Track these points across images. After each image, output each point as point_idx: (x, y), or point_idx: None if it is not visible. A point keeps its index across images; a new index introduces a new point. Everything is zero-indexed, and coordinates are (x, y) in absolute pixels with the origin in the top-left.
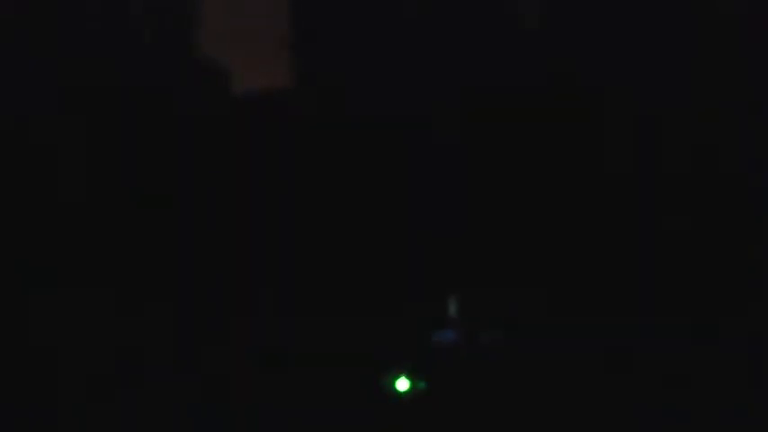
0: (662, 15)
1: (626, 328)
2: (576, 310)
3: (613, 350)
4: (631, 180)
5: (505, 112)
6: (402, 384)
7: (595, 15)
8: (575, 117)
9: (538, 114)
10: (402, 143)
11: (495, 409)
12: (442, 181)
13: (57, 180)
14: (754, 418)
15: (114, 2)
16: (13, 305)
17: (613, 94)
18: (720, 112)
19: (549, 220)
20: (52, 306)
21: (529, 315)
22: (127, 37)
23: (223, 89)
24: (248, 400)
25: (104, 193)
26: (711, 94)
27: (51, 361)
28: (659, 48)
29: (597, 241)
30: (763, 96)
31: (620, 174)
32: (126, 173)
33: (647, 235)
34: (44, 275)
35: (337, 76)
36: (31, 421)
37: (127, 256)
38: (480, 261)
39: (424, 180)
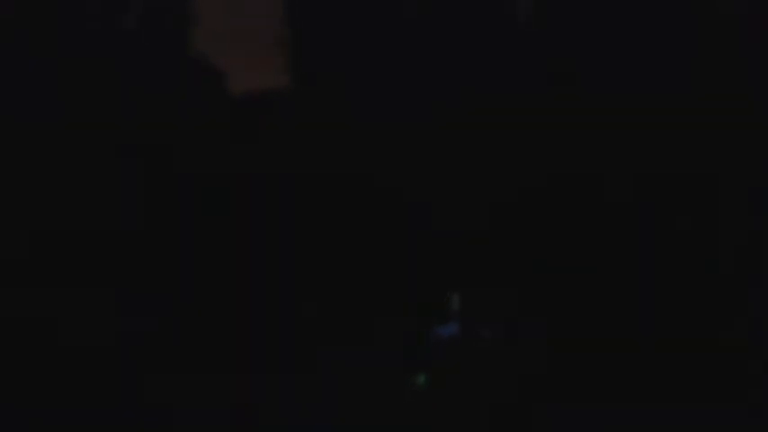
0: (662, 15)
1: (625, 325)
2: (575, 307)
3: (612, 345)
4: (631, 180)
5: (505, 112)
6: (418, 378)
7: (595, 15)
8: (575, 117)
9: (538, 114)
10: (402, 143)
11: (493, 402)
12: (441, 179)
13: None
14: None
15: (114, 2)
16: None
17: (613, 93)
18: (720, 111)
19: (547, 217)
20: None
21: (529, 310)
22: (127, 37)
23: (221, 89)
24: (264, 397)
25: (101, 195)
26: (711, 93)
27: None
28: (659, 48)
29: (596, 239)
30: (763, 96)
31: (620, 173)
32: (127, 174)
33: (646, 236)
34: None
35: (337, 76)
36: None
37: (135, 255)
38: (482, 257)
39: (424, 179)
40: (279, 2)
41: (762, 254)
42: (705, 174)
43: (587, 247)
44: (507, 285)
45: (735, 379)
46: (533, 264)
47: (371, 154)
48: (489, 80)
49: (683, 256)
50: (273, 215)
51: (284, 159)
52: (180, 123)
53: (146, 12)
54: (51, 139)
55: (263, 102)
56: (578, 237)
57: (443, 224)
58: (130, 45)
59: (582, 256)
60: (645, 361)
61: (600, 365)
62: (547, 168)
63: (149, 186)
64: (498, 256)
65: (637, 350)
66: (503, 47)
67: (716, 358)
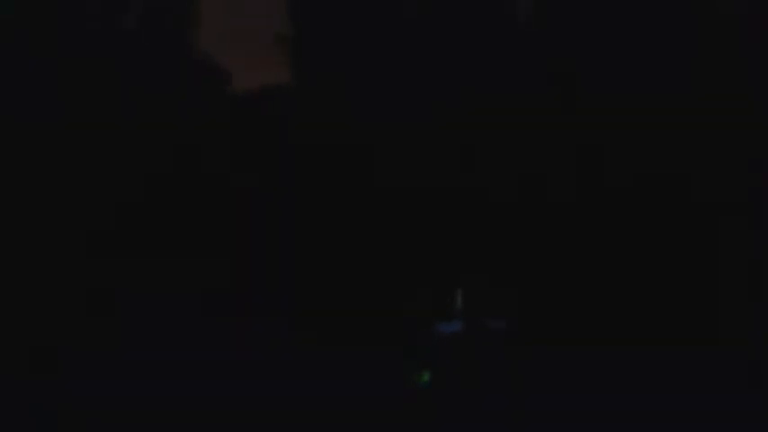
0: (662, 15)
1: (625, 324)
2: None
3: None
4: (631, 179)
5: (505, 112)
6: (420, 375)
7: (595, 16)
8: (575, 117)
9: (538, 114)
10: (403, 142)
11: (499, 396)
12: (441, 179)
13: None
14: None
15: (114, 2)
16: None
17: (613, 93)
18: (720, 111)
19: (549, 217)
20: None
21: (530, 306)
22: (127, 37)
23: (222, 89)
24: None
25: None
26: (711, 93)
27: None
28: (659, 48)
29: (595, 237)
30: (763, 96)
31: (620, 173)
32: (128, 175)
33: (645, 235)
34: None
35: (337, 75)
36: None
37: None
38: (484, 256)
39: (424, 178)
40: (279, 2)
41: (762, 253)
42: (704, 173)
43: (588, 247)
44: (509, 284)
45: (734, 378)
46: (535, 263)
47: (372, 153)
48: (489, 80)
49: (683, 255)
50: (274, 214)
51: (284, 159)
52: (180, 123)
53: (146, 12)
54: (50, 138)
55: (264, 101)
56: (579, 236)
57: (448, 220)
58: (130, 45)
59: (583, 255)
60: (646, 360)
61: (601, 362)
62: (547, 168)
63: (148, 185)
64: (500, 254)
65: (638, 348)
66: (503, 47)
67: (716, 357)
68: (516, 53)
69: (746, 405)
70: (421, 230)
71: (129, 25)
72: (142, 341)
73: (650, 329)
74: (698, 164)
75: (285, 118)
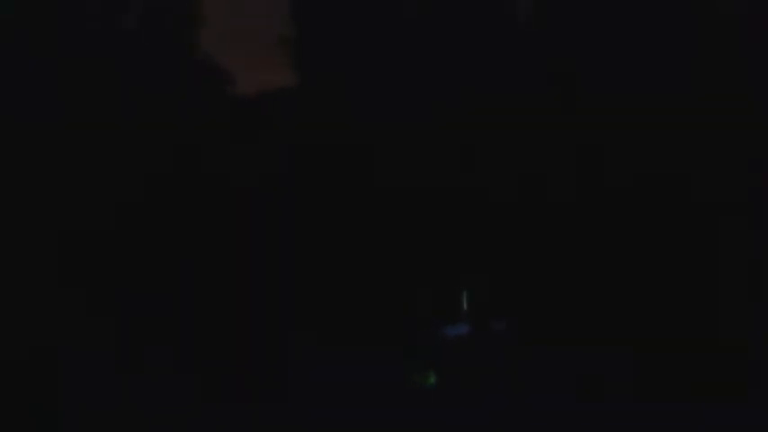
0: (662, 15)
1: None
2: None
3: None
4: (630, 179)
5: (505, 112)
6: (426, 378)
7: (595, 16)
8: (575, 117)
9: (538, 114)
10: (403, 142)
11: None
12: (442, 178)
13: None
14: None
15: (114, 2)
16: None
17: (613, 93)
18: (720, 111)
19: (547, 216)
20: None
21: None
22: (127, 37)
23: (222, 89)
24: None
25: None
26: (711, 93)
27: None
28: (659, 48)
29: (595, 237)
30: (763, 96)
31: (620, 173)
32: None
33: (645, 232)
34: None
35: (337, 75)
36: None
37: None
38: (484, 256)
39: (426, 177)
40: (280, 3)
41: (762, 253)
42: (704, 173)
43: (588, 247)
44: (508, 284)
45: (735, 379)
46: (535, 263)
47: (372, 153)
48: (489, 80)
49: (683, 255)
50: (274, 214)
51: (284, 159)
52: (180, 123)
53: (146, 12)
54: (51, 138)
55: (264, 101)
56: (579, 236)
57: (451, 220)
58: (130, 45)
59: (583, 255)
60: (645, 360)
61: (601, 362)
62: (547, 168)
63: (148, 185)
64: (499, 254)
65: (637, 348)
66: (503, 47)
67: (716, 358)
68: (516, 53)
69: (746, 406)
70: (420, 230)
71: (129, 25)
72: (141, 340)
73: (649, 330)
74: (698, 164)
75: (285, 118)
